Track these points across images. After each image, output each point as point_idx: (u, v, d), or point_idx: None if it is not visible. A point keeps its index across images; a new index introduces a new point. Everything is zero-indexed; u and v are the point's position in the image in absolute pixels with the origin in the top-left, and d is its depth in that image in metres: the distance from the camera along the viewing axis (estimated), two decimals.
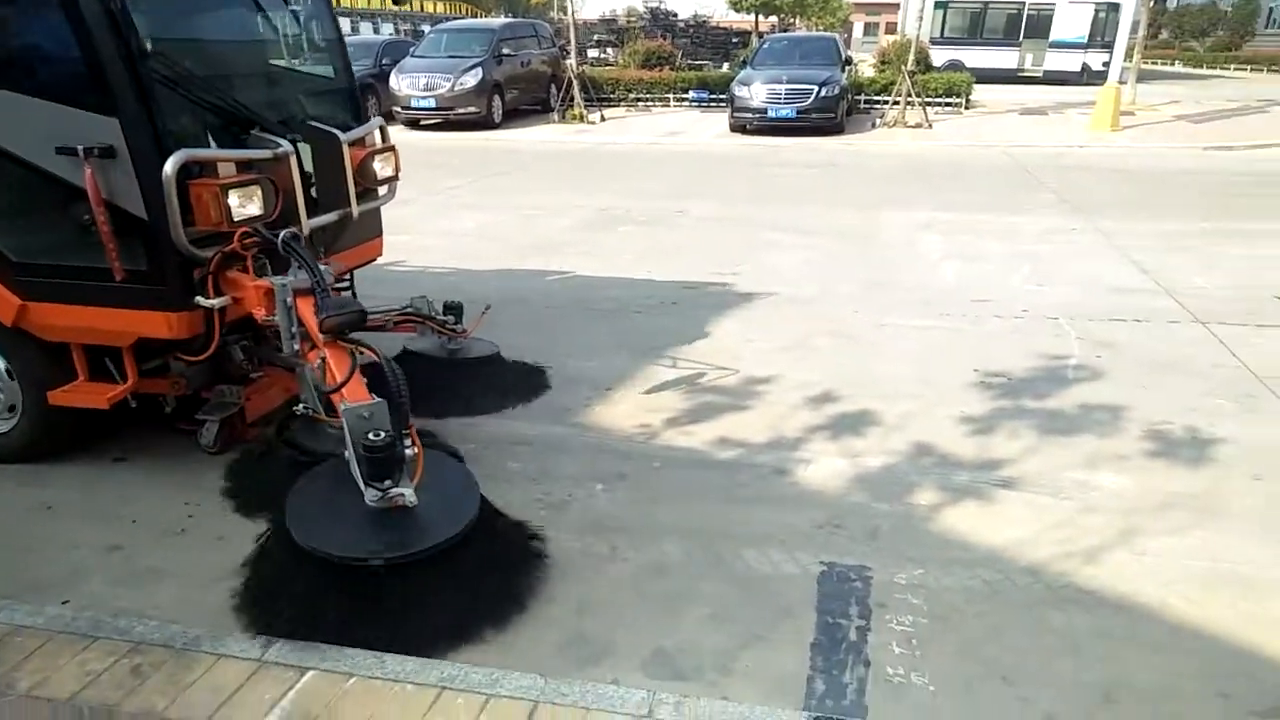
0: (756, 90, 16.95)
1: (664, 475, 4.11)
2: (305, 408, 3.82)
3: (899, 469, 4.14)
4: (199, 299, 3.68)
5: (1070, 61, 30.33)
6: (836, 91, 16.79)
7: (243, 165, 3.72)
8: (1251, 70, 39.76)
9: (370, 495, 3.06)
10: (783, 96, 16.70)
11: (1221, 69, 41.83)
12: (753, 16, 34.80)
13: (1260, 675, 2.80)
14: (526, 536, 3.49)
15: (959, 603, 3.17)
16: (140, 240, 3.56)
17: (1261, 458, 4.19)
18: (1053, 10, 30.44)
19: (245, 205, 3.62)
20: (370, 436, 3.02)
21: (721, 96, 19.95)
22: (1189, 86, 30.15)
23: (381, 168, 4.55)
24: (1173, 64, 45.51)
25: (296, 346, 3.63)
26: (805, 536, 3.58)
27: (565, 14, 21.60)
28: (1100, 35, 28.73)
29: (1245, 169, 13.21)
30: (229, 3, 4.31)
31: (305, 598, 2.99)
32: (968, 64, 27.56)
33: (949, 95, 20.50)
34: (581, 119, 19.14)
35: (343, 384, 3.24)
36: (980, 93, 22.09)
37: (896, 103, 18.26)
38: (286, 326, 3.59)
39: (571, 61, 19.90)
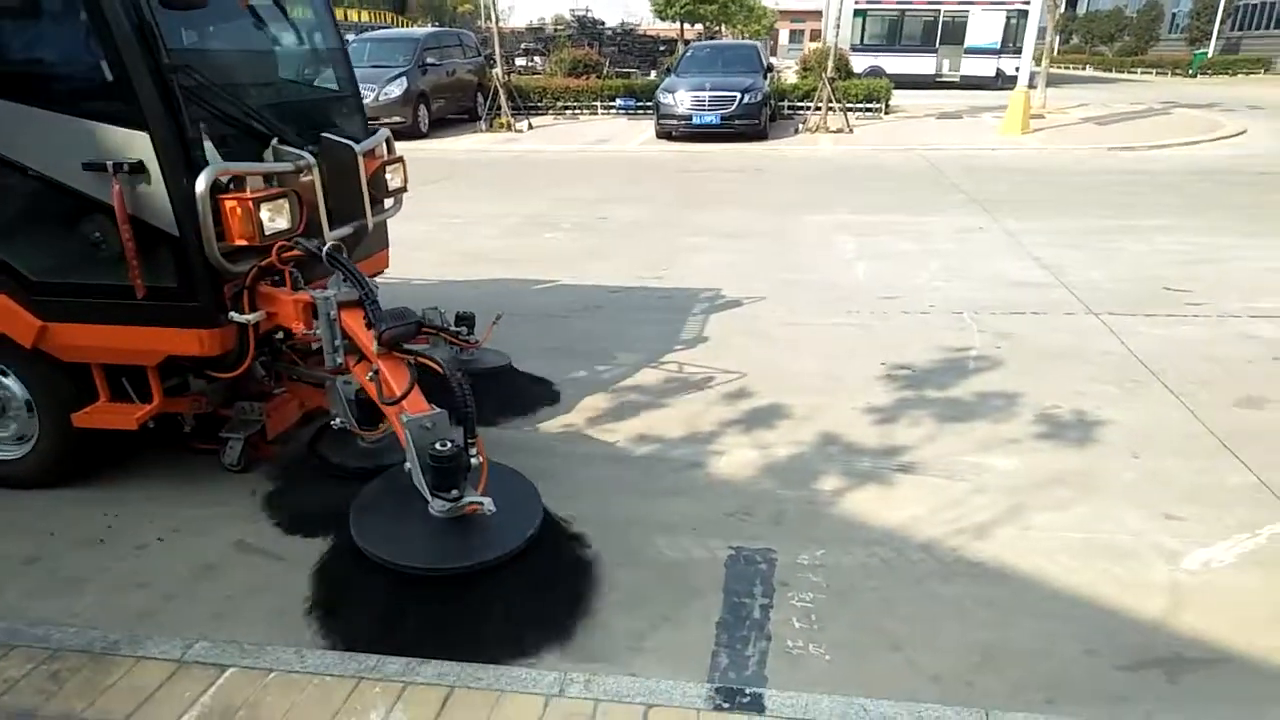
0: (681, 98, 17.24)
1: (584, 472, 4.25)
2: (340, 422, 3.85)
3: (806, 458, 4.34)
4: (233, 314, 3.64)
5: (985, 67, 31.35)
6: (759, 98, 17.16)
7: (266, 178, 3.71)
8: (1156, 74, 41.49)
9: (438, 505, 3.12)
10: (707, 104, 17.03)
11: (1129, 72, 43.55)
12: (679, 24, 35.22)
13: (1124, 634, 3.05)
14: (574, 541, 3.55)
15: (856, 579, 3.37)
16: (170, 256, 3.50)
17: (1141, 437, 4.49)
18: (967, 17, 31.46)
19: (275, 219, 3.60)
20: (437, 446, 3.08)
21: (648, 104, 20.20)
22: (1097, 90, 31.36)
23: (391, 178, 4.60)
24: (1084, 68, 47.29)
25: (340, 360, 3.62)
26: (716, 524, 3.75)
27: (491, 22, 21.62)
28: (1012, 41, 29.74)
29: (1144, 168, 13.86)
30: (239, 14, 4.22)
31: (383, 608, 3.04)
32: (888, 70, 28.35)
33: (869, 101, 21.07)
34: (509, 127, 19.21)
35: (404, 395, 3.25)
36: (899, 98, 22.75)
37: (818, 108, 18.71)
38: (329, 340, 3.58)
39: (498, 70, 19.95)
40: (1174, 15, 48.36)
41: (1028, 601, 3.24)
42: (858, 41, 31.99)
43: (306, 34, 4.56)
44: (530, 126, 19.78)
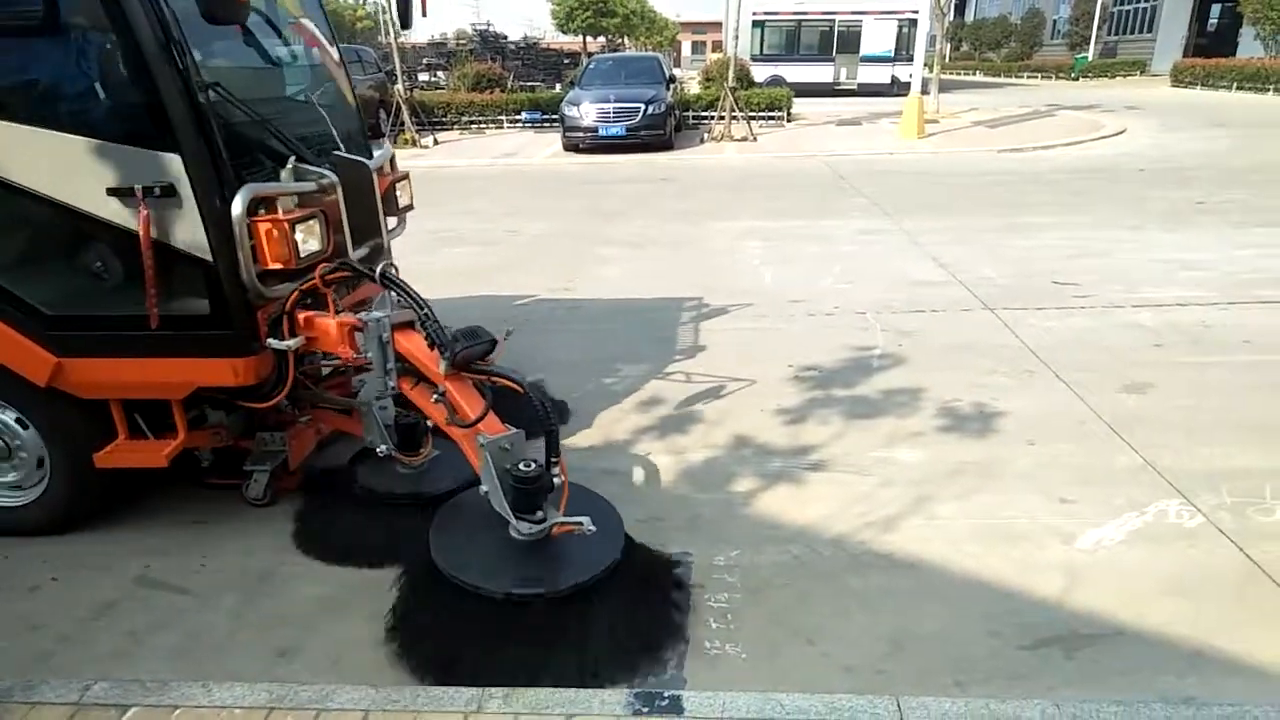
0: (586, 110, 17.32)
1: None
2: (385, 449, 3.77)
3: (719, 461, 4.40)
4: (270, 341, 3.50)
5: (880, 74, 32.35)
6: (663, 109, 17.35)
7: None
8: (1041, 78, 43.32)
9: (523, 529, 3.09)
10: (612, 115, 17.15)
11: (1016, 77, 45.40)
12: (581, 38, 35.36)
13: (1025, 614, 3.17)
14: (669, 564, 3.48)
15: (770, 577, 3.43)
16: (202, 283, 3.34)
17: (1035, 426, 4.68)
18: (861, 26, 32.38)
19: (307, 240, 3.46)
20: (521, 467, 3.05)
21: (554, 117, 20.24)
22: (987, 95, 32.61)
23: (400, 195, 4.49)
24: (974, 73, 49.10)
25: (393, 384, 3.53)
26: (631, 531, 3.76)
27: (391, 38, 21.35)
28: (905, 49, 30.74)
29: (1031, 168, 14.47)
30: (244, 32, 3.96)
31: (475, 636, 2.97)
32: (788, 79, 28.94)
33: (771, 109, 21.49)
34: (414, 143, 19.00)
35: (481, 417, 3.19)
36: (800, 106, 23.25)
37: (722, 118, 19.00)
38: (381, 363, 3.50)
39: (400, 86, 19.72)
40: (1055, 22, 50.61)
41: (935, 588, 3.34)
42: (757, 52, 32.63)
43: (304, 48, 4.40)
44: (436, 142, 19.61)
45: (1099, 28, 44.86)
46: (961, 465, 4.28)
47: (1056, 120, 21.65)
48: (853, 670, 2.91)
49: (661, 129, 17.32)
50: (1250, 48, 34.65)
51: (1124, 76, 41.00)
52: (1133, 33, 45.49)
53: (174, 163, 3.16)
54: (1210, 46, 38.51)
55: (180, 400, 3.62)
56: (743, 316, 6.75)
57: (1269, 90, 28.49)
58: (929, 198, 11.92)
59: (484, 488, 3.20)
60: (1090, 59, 43.12)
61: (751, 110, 20.07)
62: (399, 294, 3.49)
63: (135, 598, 3.41)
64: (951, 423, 4.76)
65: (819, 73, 32.81)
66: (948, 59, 32.96)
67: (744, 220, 10.59)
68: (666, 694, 2.75)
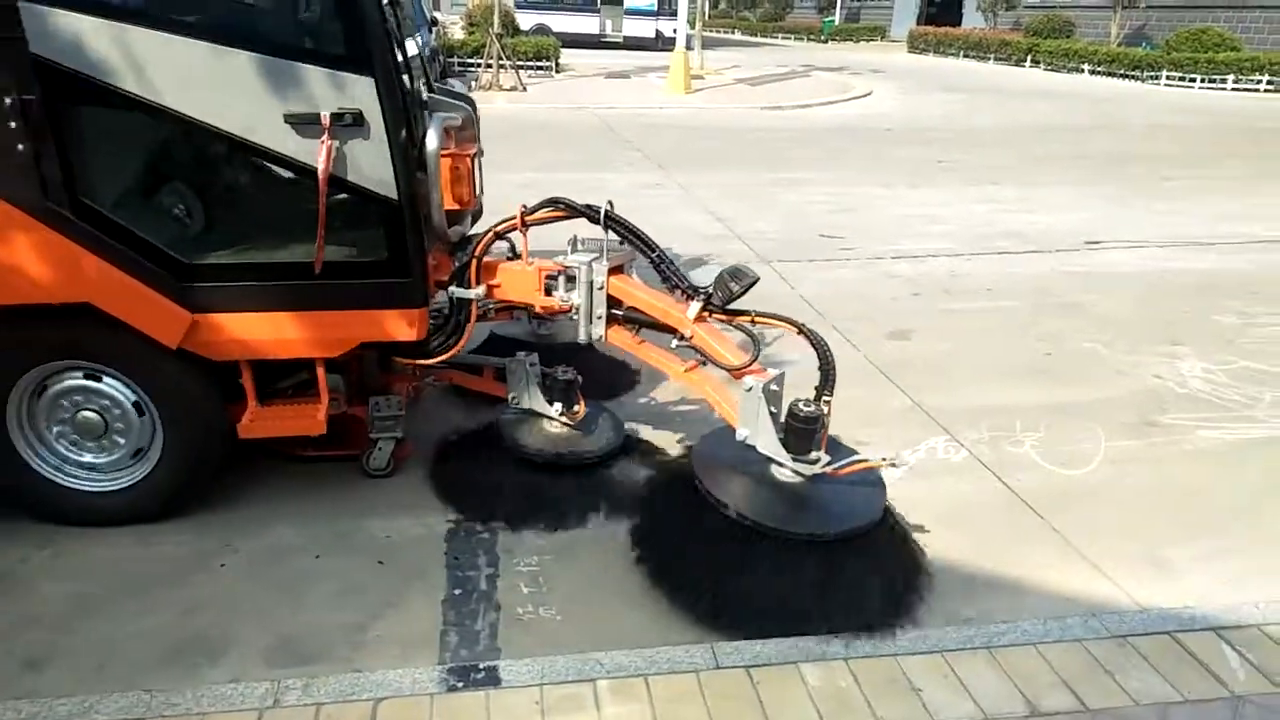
0: None
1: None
2: (558, 408, 3.56)
3: None
4: (454, 289, 3.20)
5: (644, 28, 32.68)
6: (426, 53, 16.58)
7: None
8: (794, 39, 45.50)
9: (802, 469, 2.91)
10: None
11: (770, 37, 47.45)
12: None
13: None
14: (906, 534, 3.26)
15: (578, 536, 3.37)
16: (380, 225, 2.94)
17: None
18: None
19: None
20: (801, 408, 2.87)
21: None
22: (746, 53, 33.85)
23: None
24: (732, 32, 50.76)
25: (599, 332, 3.25)
26: (432, 498, 3.58)
27: None
28: (668, 3, 31.14)
29: (792, 125, 15.18)
30: None
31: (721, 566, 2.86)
32: (554, 28, 28.61)
33: (539, 59, 21.20)
34: None
35: (753, 360, 2.99)
36: (568, 57, 23.08)
37: (489, 66, 18.49)
38: (588, 310, 3.24)
39: None
40: None
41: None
42: None
43: None
44: None
45: None
46: None
47: (811, 80, 22.82)
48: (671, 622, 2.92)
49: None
50: (973, 18, 38.07)
51: (866, 41, 43.85)
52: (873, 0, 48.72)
53: (365, 88, 2.73)
54: (939, 15, 41.96)
55: (324, 361, 3.18)
56: None
57: (989, 59, 31.44)
58: (699, 152, 12.20)
59: (743, 432, 2.99)
60: (837, 23, 45.74)
61: (519, 59, 19.68)
62: (624, 236, 3.23)
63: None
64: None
65: (585, 23, 32.66)
66: (707, 17, 33.90)
67: (521, 173, 10.34)
68: (482, 666, 2.64)
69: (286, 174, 2.89)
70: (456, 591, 3.03)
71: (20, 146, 2.66)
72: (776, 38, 47.02)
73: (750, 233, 7.81)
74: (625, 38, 33.02)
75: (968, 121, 16.25)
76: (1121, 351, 5.38)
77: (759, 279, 3.16)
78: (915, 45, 36.89)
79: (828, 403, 2.99)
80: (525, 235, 3.37)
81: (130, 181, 3.01)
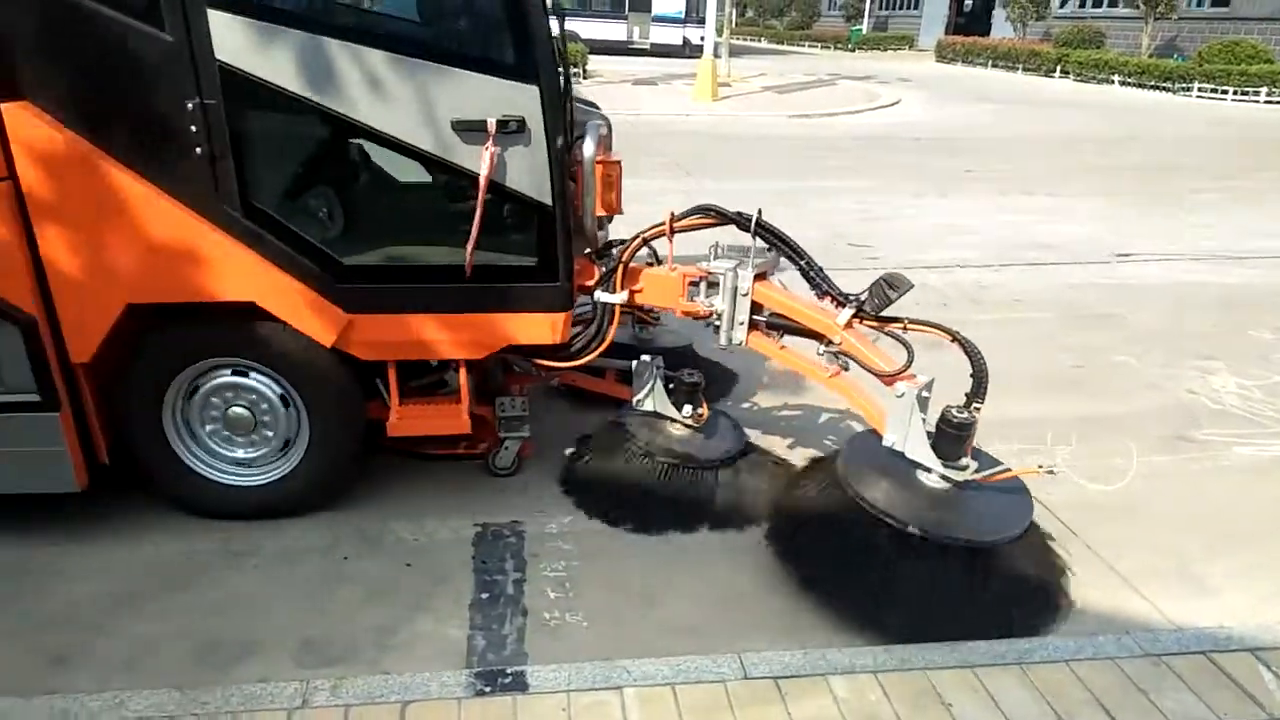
0: None
1: None
2: (689, 411, 3.56)
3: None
4: (599, 294, 3.27)
5: (672, 35, 32.68)
6: None
7: None
8: (821, 47, 45.39)
9: (952, 474, 2.92)
10: None
11: (797, 45, 47.33)
12: None
13: None
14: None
15: (605, 542, 3.38)
16: (533, 230, 3.02)
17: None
18: None
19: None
20: (955, 414, 2.89)
21: None
22: (773, 61, 33.83)
23: None
24: (759, 40, 50.73)
25: (741, 338, 3.27)
26: (456, 502, 3.59)
27: None
28: (696, 11, 31.14)
29: (819, 134, 15.14)
30: None
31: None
32: (582, 35, 28.66)
33: None
34: None
35: (906, 367, 3.02)
36: (595, 63, 23.15)
37: None
38: (731, 316, 3.27)
39: None
40: None
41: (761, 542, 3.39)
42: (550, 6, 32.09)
43: None
44: None
45: (871, 2, 47.49)
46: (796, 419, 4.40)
47: (839, 89, 22.76)
48: (698, 631, 2.91)
49: None
50: (1002, 28, 37.80)
51: (894, 50, 43.66)
52: (901, 9, 48.50)
53: (530, 95, 2.81)
54: (967, 25, 41.69)
55: (465, 363, 3.26)
56: None
57: (1018, 69, 31.21)
58: (727, 159, 12.20)
59: (891, 438, 3.02)
60: (864, 31, 45.60)
61: None
62: (773, 244, 3.29)
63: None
64: (782, 380, 4.88)
65: (612, 30, 32.72)
66: (734, 24, 33.92)
67: None
68: (509, 670, 2.64)
69: (445, 179, 3.00)
70: (483, 595, 3.04)
71: (198, 150, 2.76)
72: (803, 46, 46.91)
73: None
74: (652, 44, 33.05)
75: (997, 131, 16.14)
76: (1154, 365, 5.32)
77: (914, 286, 3.18)
78: (943, 55, 36.68)
79: (978, 409, 3.00)
80: (671, 242, 3.40)
81: (297, 185, 3.12)
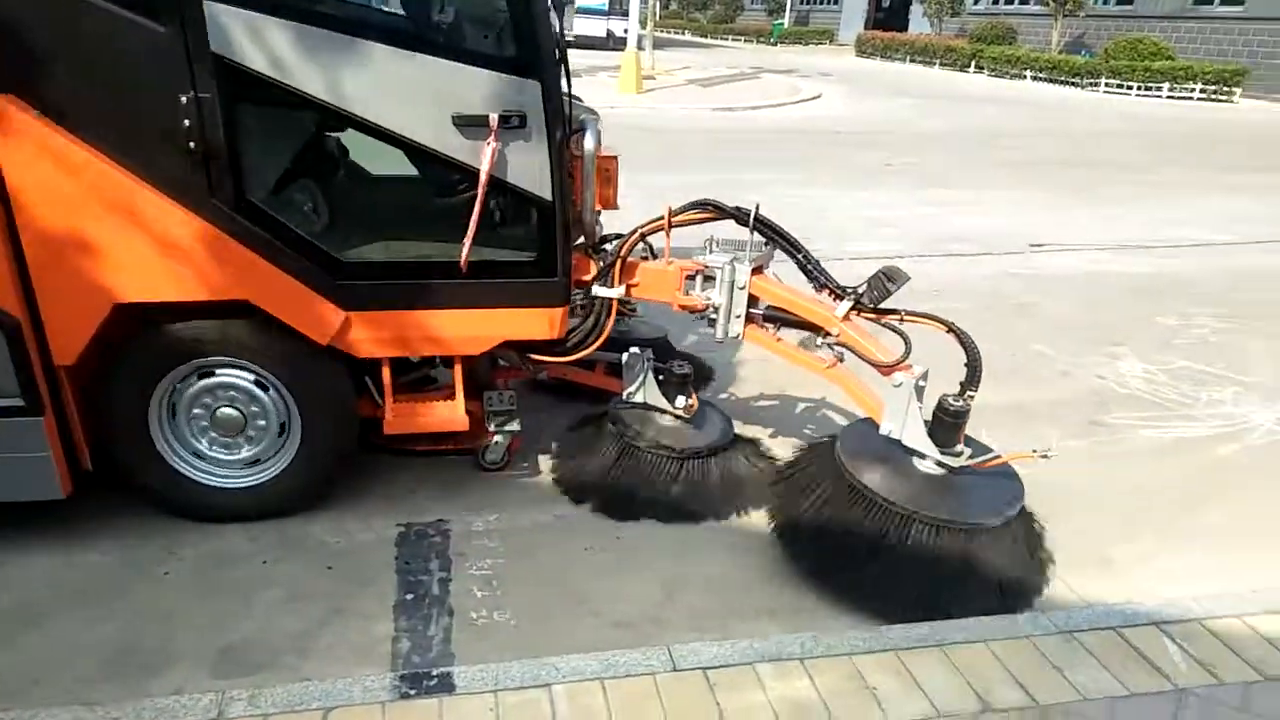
0: None
1: None
2: (683, 401, 3.55)
3: None
4: (597, 289, 3.25)
5: (596, 27, 32.62)
6: None
7: None
8: (744, 41, 45.78)
9: (948, 461, 2.98)
10: None
11: (720, 39, 47.66)
12: None
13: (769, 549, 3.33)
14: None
15: (533, 539, 3.35)
16: (533, 226, 3.02)
17: (789, 374, 4.93)
18: None
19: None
20: (951, 402, 2.93)
21: None
22: (697, 54, 33.99)
23: None
24: (683, 33, 50.92)
25: (738, 331, 3.25)
26: (380, 502, 3.52)
27: None
28: (620, 3, 31.11)
29: (742, 127, 15.28)
30: None
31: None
32: None
33: None
34: None
35: (904, 357, 3.06)
36: None
37: None
38: (728, 309, 3.27)
39: None
40: None
41: (701, 538, 3.41)
42: None
43: None
44: None
45: None
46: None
47: (761, 82, 22.97)
48: (628, 625, 2.91)
49: None
50: (919, 24, 38.62)
51: (815, 44, 44.26)
52: (822, 3, 49.20)
53: (532, 91, 2.79)
54: (886, 20, 42.49)
55: (460, 359, 3.25)
56: None
57: (935, 64, 31.93)
58: (654, 152, 12.17)
59: (888, 426, 3.04)
60: (786, 26, 46.11)
61: None
62: (770, 238, 3.29)
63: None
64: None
65: None
66: (658, 17, 34.03)
67: None
68: (435, 672, 2.60)
69: (445, 174, 2.97)
70: (408, 596, 2.99)
71: (192, 144, 2.66)
72: (726, 39, 47.25)
73: (699, 232, 7.79)
74: (576, 37, 32.89)
75: (915, 125, 16.49)
76: (1066, 352, 5.50)
77: (910, 279, 3.23)
78: (863, 49, 37.31)
79: (971, 398, 3.08)
80: (669, 236, 3.38)
81: (293, 180, 3.03)
